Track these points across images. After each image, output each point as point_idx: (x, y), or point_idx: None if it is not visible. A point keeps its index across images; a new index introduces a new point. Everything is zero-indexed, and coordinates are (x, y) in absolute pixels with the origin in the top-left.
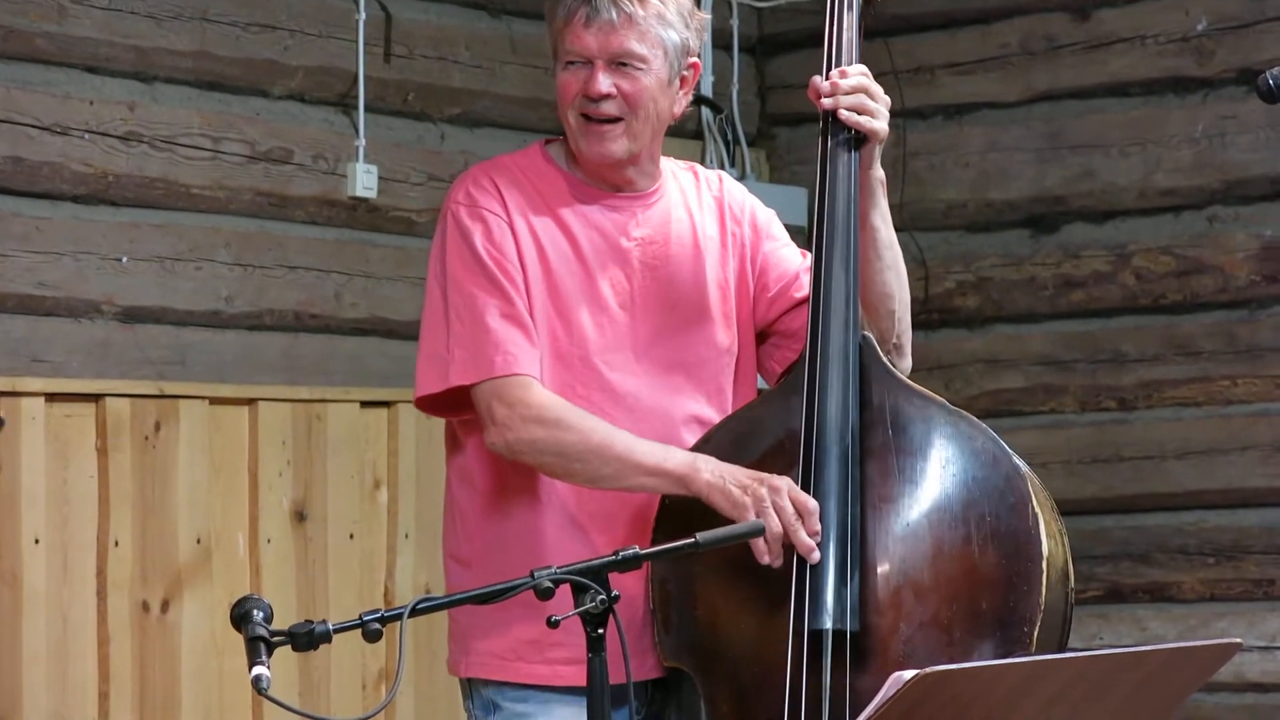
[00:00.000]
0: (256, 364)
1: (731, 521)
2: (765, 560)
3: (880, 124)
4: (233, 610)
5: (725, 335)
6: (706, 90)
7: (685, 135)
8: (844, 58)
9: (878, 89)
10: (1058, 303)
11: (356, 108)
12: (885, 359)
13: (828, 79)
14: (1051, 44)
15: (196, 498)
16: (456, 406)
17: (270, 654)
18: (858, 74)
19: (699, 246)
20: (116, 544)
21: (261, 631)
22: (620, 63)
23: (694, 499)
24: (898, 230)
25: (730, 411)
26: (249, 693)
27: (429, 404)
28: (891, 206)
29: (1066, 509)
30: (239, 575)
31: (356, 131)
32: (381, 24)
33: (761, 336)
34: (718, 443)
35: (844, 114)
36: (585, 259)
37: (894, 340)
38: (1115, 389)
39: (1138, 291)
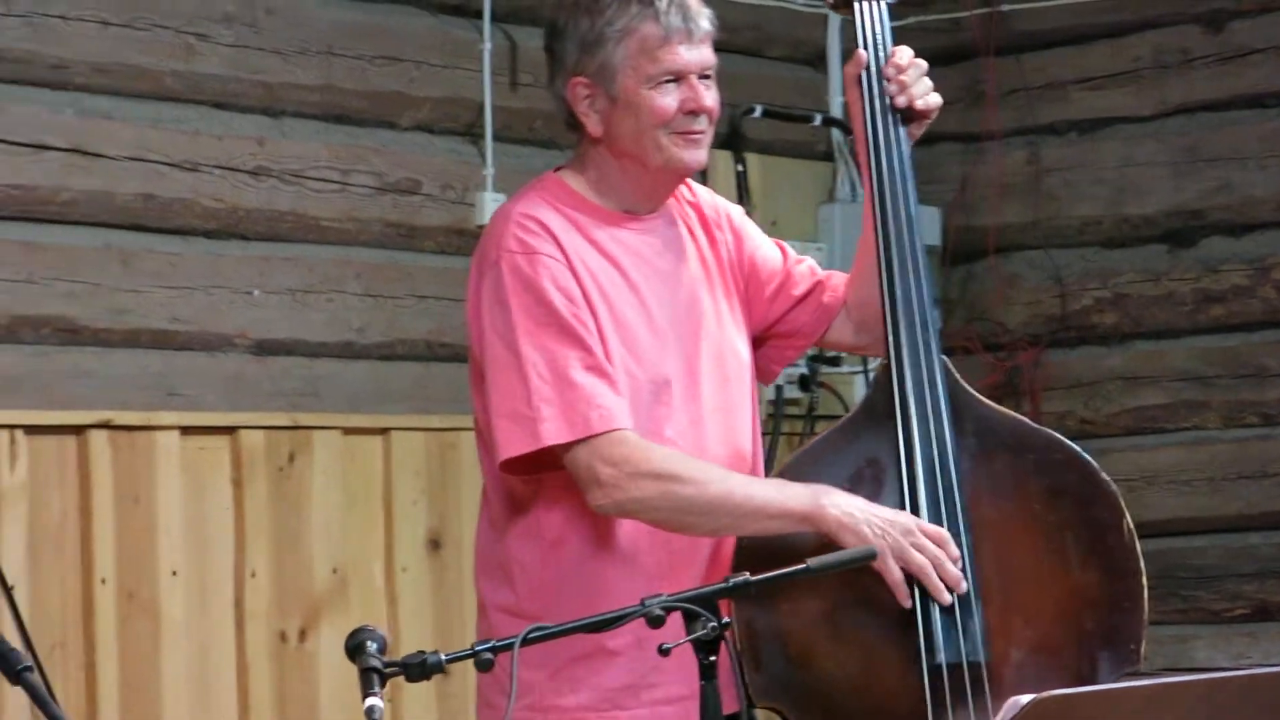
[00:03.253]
0: (389, 394)
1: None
2: (908, 604)
3: (939, 100)
4: (346, 642)
5: (745, 346)
6: (836, 112)
7: (815, 157)
8: (882, 40)
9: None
10: (1197, 318)
11: (484, 137)
12: (962, 380)
13: (889, 63)
14: (1185, 57)
15: (332, 528)
16: (539, 465)
17: (384, 685)
18: (910, 54)
19: (703, 259)
20: (254, 574)
21: (374, 663)
22: (705, 75)
23: (772, 538)
24: (1034, 248)
25: (755, 426)
26: (388, 717)
27: (512, 465)
28: (1027, 224)
29: (1212, 526)
30: (376, 604)
31: (484, 160)
32: (507, 53)
33: (758, 340)
34: (796, 473)
35: (921, 103)
36: (635, 285)
37: None
38: (1259, 404)
39: (1279, 305)
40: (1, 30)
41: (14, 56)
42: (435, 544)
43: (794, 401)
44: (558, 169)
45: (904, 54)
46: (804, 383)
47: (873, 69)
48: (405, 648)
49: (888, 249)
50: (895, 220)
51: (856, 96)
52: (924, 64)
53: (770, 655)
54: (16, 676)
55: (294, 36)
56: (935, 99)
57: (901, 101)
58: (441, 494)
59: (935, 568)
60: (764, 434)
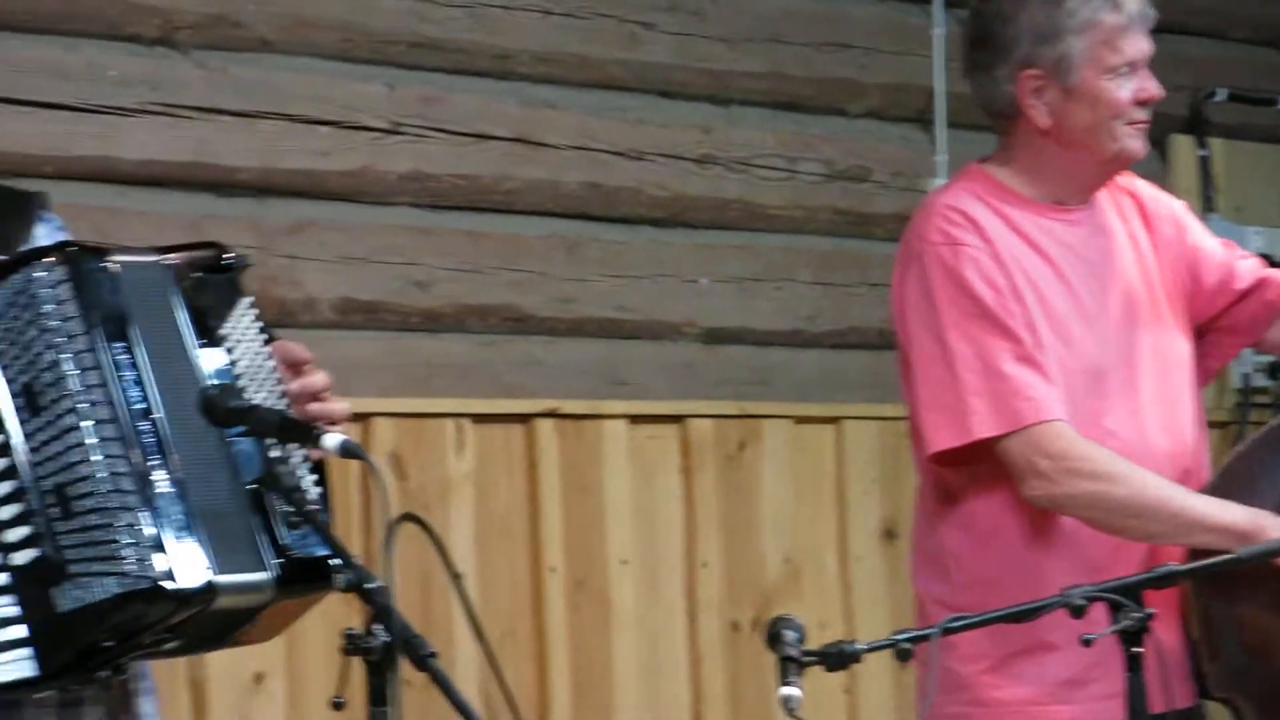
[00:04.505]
0: (840, 382)
1: None
2: None
3: None
4: (766, 631)
5: (1186, 339)
6: None
7: None
8: None
9: None
10: None
11: (935, 123)
12: None
13: None
14: None
15: (783, 517)
16: (969, 458)
17: (801, 674)
18: None
19: (1138, 250)
20: (705, 564)
21: (792, 652)
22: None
23: None
24: None
25: (1199, 418)
26: (845, 711)
27: (941, 457)
28: None
29: None
30: (829, 594)
31: (935, 147)
32: (959, 39)
33: (1197, 335)
34: (1255, 456)
35: None
36: (1064, 276)
37: None
38: None
39: None
40: (444, 21)
41: (456, 46)
42: (889, 534)
43: (1262, 390)
44: (982, 160)
45: None
46: (1274, 371)
47: None
48: (862, 639)
49: None
50: None
51: None
52: None
53: (1228, 645)
54: (422, 663)
55: (740, 24)
56: None
57: None
58: (895, 484)
59: None
60: (1231, 423)
